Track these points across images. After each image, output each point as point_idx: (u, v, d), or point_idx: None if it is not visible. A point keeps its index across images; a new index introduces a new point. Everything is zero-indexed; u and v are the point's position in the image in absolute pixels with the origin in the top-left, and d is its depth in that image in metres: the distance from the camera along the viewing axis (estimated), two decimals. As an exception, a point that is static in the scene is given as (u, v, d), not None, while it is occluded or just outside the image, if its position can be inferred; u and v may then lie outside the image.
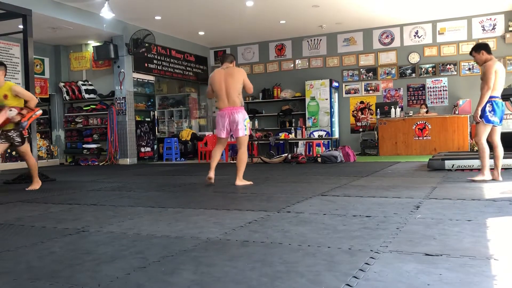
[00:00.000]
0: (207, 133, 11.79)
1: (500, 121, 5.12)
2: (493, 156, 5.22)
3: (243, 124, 5.42)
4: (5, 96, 5.38)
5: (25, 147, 5.63)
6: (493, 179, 5.13)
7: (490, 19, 10.89)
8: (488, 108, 5.07)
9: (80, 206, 4.30)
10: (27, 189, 5.68)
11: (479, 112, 5.07)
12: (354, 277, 1.91)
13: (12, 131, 5.46)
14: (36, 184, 5.79)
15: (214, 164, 5.56)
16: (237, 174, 5.48)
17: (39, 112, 5.66)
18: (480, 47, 5.20)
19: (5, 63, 5.73)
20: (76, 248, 2.63)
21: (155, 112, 12.50)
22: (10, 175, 7.30)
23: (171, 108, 13.91)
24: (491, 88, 5.02)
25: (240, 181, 5.46)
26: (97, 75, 11.22)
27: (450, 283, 1.81)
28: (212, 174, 5.49)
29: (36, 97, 5.77)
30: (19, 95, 5.45)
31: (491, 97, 5.06)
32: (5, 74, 5.55)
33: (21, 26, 7.46)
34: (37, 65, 10.80)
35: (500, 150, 5.15)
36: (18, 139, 5.50)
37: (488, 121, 5.08)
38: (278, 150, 11.35)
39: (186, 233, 2.88)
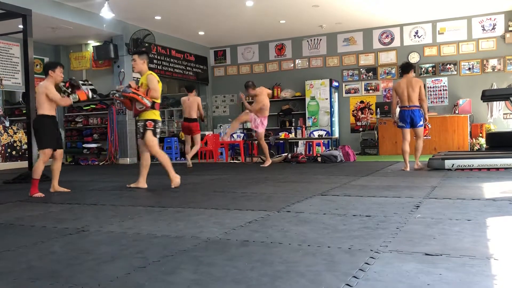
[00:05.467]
0: (207, 133, 11.77)
1: (413, 124, 6.64)
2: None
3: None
4: (141, 84, 5.26)
5: (151, 140, 5.26)
6: (416, 169, 6.68)
7: (490, 19, 10.88)
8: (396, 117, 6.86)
9: (80, 206, 4.30)
10: (172, 186, 5.29)
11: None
12: (354, 277, 1.92)
13: (139, 122, 5.28)
14: (177, 179, 5.37)
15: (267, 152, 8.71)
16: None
17: (147, 103, 5.16)
18: (402, 67, 6.87)
19: (146, 51, 5.57)
20: (76, 248, 2.63)
21: (155, 111, 12.48)
22: (10, 175, 7.30)
23: (171, 107, 13.92)
24: (394, 102, 6.87)
25: (267, 164, 8.36)
26: (97, 75, 11.22)
27: (450, 283, 1.82)
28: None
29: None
30: (149, 83, 5.24)
31: (399, 107, 6.77)
32: (146, 62, 5.38)
33: (21, 26, 7.45)
34: (37, 65, 10.79)
35: (418, 144, 6.73)
36: (141, 130, 5.28)
37: (398, 126, 6.82)
38: (278, 149, 11.35)
39: (186, 233, 2.88)
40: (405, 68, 6.80)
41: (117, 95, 5.37)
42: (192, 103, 8.63)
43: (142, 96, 5.15)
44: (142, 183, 5.44)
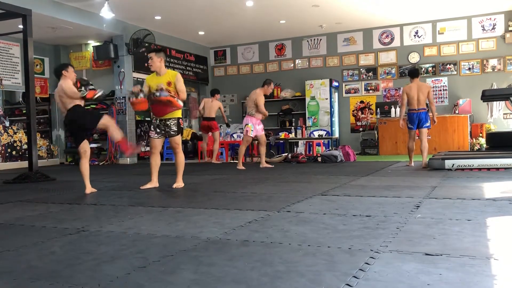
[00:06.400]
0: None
1: (419, 125, 7.13)
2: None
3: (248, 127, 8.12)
4: (169, 83, 5.24)
5: (179, 140, 5.40)
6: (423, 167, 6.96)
7: (490, 19, 10.88)
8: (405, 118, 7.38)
9: (80, 206, 4.30)
10: (173, 186, 5.34)
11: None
12: (354, 276, 1.92)
13: (171, 120, 5.26)
14: (181, 183, 5.43)
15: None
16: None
17: (180, 103, 5.19)
18: (411, 73, 7.42)
19: (162, 50, 5.54)
20: (76, 248, 2.63)
21: (155, 111, 12.49)
22: (10, 175, 7.30)
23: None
24: (404, 104, 7.28)
25: (263, 164, 8.16)
26: (97, 75, 11.21)
27: (450, 283, 1.82)
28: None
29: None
30: (177, 83, 5.26)
31: (408, 110, 7.26)
32: (163, 60, 5.44)
33: (21, 26, 7.45)
34: (37, 65, 10.79)
35: (423, 144, 7.16)
36: (175, 128, 5.28)
37: (408, 127, 7.30)
38: (278, 149, 11.35)
39: (186, 233, 2.88)
40: (414, 73, 7.36)
41: (157, 94, 5.05)
42: (214, 106, 9.97)
43: (177, 98, 5.15)
44: (156, 182, 5.46)
